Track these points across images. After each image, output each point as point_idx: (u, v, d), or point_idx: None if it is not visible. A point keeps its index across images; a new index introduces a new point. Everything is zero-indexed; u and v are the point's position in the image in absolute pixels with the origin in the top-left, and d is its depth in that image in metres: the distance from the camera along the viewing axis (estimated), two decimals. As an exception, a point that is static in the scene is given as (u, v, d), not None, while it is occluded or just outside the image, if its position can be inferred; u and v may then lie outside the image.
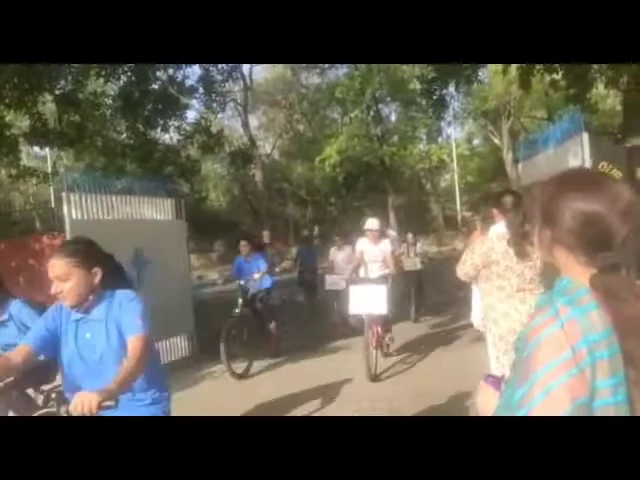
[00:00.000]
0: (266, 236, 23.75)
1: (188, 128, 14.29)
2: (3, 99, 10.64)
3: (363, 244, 6.44)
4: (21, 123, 13.46)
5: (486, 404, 1.30)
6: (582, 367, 1.02)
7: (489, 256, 3.15)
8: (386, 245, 6.37)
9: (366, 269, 6.45)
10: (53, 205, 18.66)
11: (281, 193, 32.92)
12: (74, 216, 6.17)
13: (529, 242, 3.09)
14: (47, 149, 16.91)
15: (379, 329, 6.07)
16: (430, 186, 32.97)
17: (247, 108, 25.22)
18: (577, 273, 1.12)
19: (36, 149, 17.02)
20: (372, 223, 6.38)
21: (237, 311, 6.49)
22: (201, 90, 14.04)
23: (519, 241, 3.01)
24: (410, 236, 9.32)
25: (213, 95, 14.89)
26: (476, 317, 3.56)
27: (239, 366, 6.31)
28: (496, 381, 1.37)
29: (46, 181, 13.55)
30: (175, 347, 7.30)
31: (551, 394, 1.01)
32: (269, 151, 34.48)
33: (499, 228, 3.23)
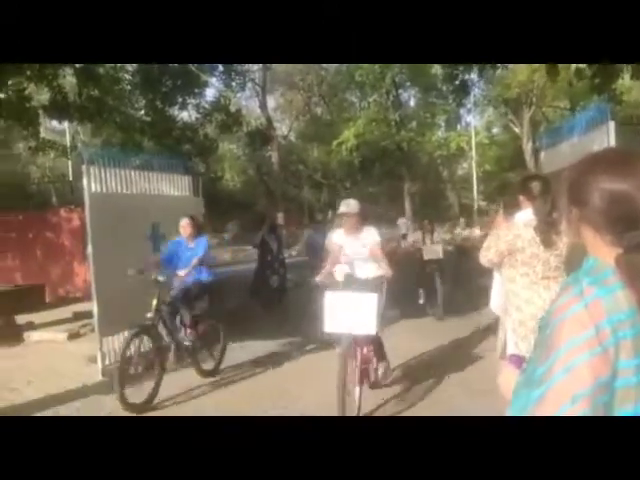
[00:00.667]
0: (280, 218, 23.77)
1: (207, 106, 14.28)
2: (24, 71, 10.66)
3: (339, 236, 4.76)
4: (41, 96, 13.49)
5: (507, 382, 1.30)
6: (605, 346, 1.01)
7: (515, 243, 3.12)
8: (371, 235, 4.64)
9: (352, 269, 4.78)
10: (71, 178, 18.81)
11: (297, 175, 32.87)
12: (93, 189, 6.20)
13: (556, 230, 3.11)
14: (65, 123, 16.97)
15: (366, 353, 4.45)
16: (447, 174, 32.71)
17: (265, 89, 25.09)
18: (604, 253, 1.11)
19: (54, 123, 17.09)
20: (348, 205, 4.61)
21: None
22: (221, 68, 13.99)
23: (547, 228, 3.00)
24: (426, 222, 9.06)
25: (232, 74, 14.82)
26: (495, 303, 3.54)
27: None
28: (519, 360, 1.36)
29: (65, 154, 13.63)
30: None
31: (573, 371, 1.01)
32: (286, 133, 34.37)
33: (525, 215, 3.18)
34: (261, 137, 16.66)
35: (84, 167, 6.16)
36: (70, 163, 18.21)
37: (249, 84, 23.81)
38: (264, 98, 25.22)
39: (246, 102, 30.61)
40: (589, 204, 1.12)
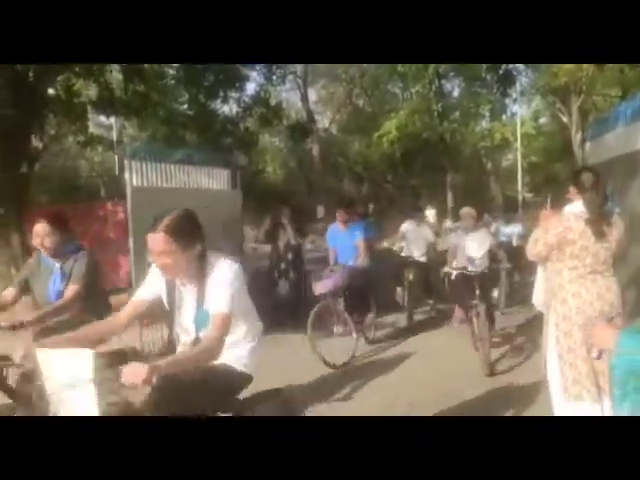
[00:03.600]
0: (320, 211, 23.81)
1: (247, 100, 14.42)
2: (72, 67, 11.01)
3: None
4: (89, 92, 13.90)
5: (606, 337, 1.38)
6: None
7: (565, 235, 3.08)
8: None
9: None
10: (117, 172, 19.38)
11: (337, 168, 32.82)
12: (135, 183, 6.38)
13: (607, 222, 3.06)
14: (113, 118, 17.45)
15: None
16: (491, 165, 31.99)
17: (307, 81, 25.11)
18: None
19: (102, 118, 17.59)
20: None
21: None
22: (261, 61, 14.06)
23: (599, 220, 3.02)
24: (486, 216, 8.64)
25: (273, 67, 14.90)
26: (538, 299, 3.48)
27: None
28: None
29: (111, 149, 14.05)
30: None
31: None
32: (327, 125, 34.35)
33: (575, 207, 3.15)
34: (301, 130, 16.69)
35: (126, 161, 6.35)
36: (116, 157, 18.74)
37: (290, 77, 23.91)
38: (305, 91, 25.28)
39: (287, 95, 30.77)
40: None
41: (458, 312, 6.68)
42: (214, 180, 7.60)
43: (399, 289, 7.71)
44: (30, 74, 9.33)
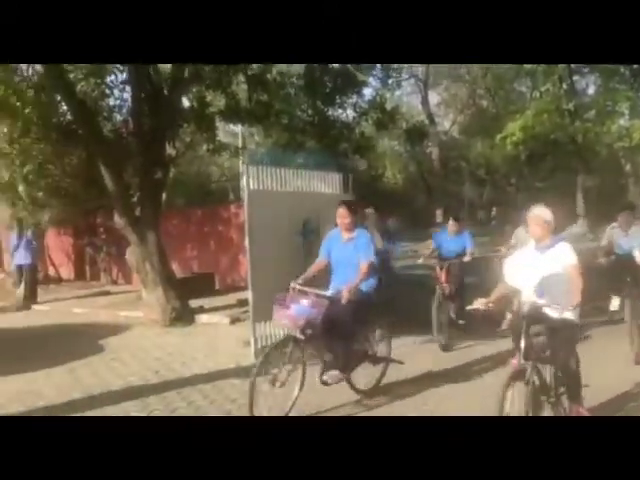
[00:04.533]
0: (439, 215, 23.37)
1: (363, 105, 14.58)
2: (204, 80, 11.91)
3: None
4: (218, 102, 14.89)
5: None
6: None
7: None
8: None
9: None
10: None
11: (458, 171, 31.97)
12: (252, 187, 6.78)
13: None
14: (239, 126, 18.51)
15: None
16: (630, 167, 29.29)
17: (428, 83, 24.75)
18: None
19: (230, 126, 18.73)
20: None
21: None
22: (379, 66, 14.18)
23: None
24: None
25: (390, 71, 14.93)
26: None
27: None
28: None
29: (237, 155, 14.94)
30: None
31: None
32: (448, 128, 33.60)
33: None
34: (418, 133, 16.52)
35: (244, 167, 6.77)
36: (241, 163, 19.89)
37: (411, 80, 23.73)
38: (426, 93, 24.93)
39: (407, 98, 30.56)
40: None
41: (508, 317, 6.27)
42: (326, 184, 7.82)
43: None
44: (164, 87, 10.24)
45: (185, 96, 12.21)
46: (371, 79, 15.95)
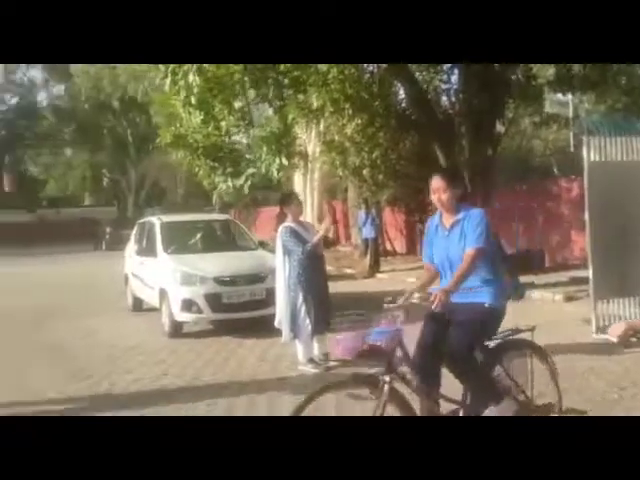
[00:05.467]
0: None
1: None
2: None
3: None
4: (546, 72, 14.22)
5: None
6: None
7: None
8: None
9: None
10: (572, 149, 19.13)
11: None
12: (592, 158, 6.44)
13: None
14: (569, 95, 17.30)
15: None
16: None
17: None
18: None
19: (559, 96, 17.64)
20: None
21: None
22: None
23: None
24: None
25: None
26: None
27: None
28: None
29: (567, 126, 14.09)
30: None
31: None
32: None
33: None
34: None
35: (584, 137, 6.47)
36: (571, 134, 18.55)
37: None
38: None
39: None
40: None
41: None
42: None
43: None
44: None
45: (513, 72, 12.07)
46: None
